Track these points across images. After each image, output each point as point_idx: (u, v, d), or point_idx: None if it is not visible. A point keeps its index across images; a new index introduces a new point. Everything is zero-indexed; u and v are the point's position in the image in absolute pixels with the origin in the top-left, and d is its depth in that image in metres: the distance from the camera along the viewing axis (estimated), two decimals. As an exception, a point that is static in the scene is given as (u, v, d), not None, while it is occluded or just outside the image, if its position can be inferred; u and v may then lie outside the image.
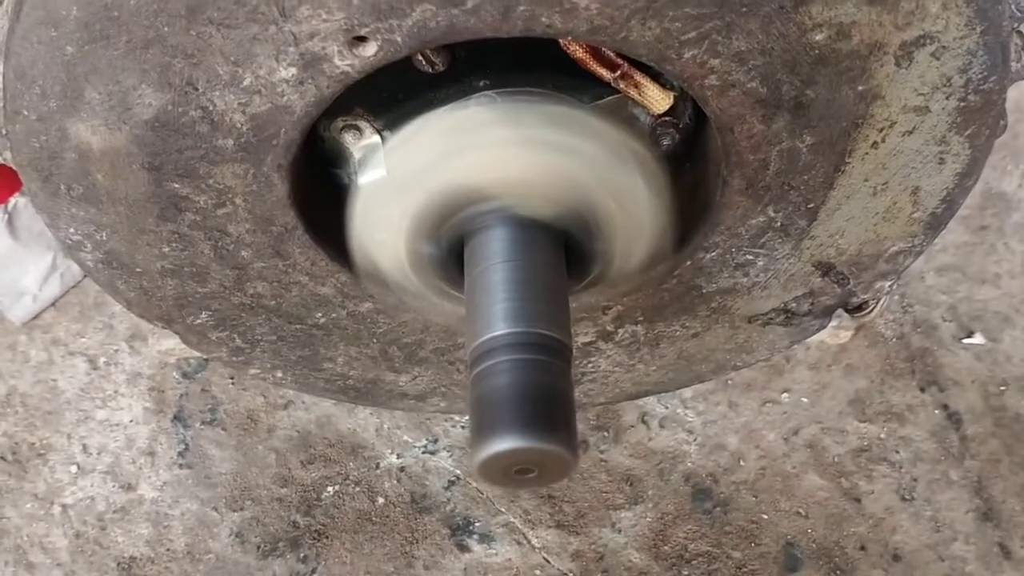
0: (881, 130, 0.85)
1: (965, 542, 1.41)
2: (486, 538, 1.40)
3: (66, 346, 1.56)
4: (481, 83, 0.88)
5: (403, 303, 1.00)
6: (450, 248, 0.87)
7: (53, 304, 1.59)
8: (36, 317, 1.58)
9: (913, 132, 0.86)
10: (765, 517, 1.42)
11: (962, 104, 0.83)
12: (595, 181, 0.84)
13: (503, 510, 1.41)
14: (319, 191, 0.95)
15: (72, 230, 0.92)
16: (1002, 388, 1.53)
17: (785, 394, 1.52)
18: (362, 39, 0.73)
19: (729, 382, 1.51)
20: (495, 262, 0.83)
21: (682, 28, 0.73)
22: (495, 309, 0.80)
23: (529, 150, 0.83)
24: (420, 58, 0.83)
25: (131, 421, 1.49)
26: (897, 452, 1.48)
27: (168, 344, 1.11)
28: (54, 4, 0.71)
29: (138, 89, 0.77)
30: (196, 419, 1.48)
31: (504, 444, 0.72)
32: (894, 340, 1.58)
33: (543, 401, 0.75)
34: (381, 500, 1.42)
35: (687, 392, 1.49)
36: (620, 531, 1.40)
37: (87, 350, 1.56)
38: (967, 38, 0.77)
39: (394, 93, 0.89)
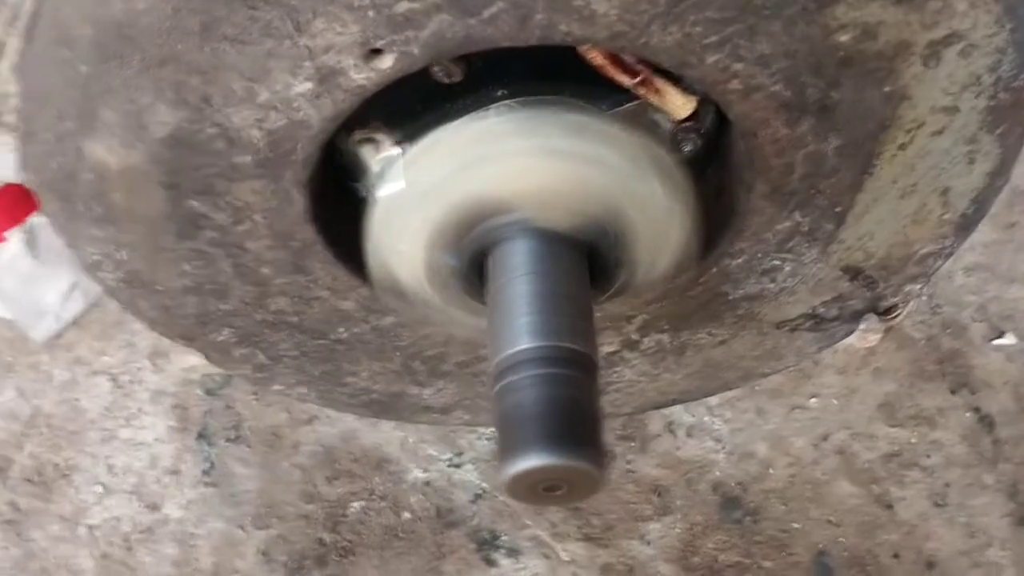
0: (909, 131, 0.84)
1: (1000, 548, 1.39)
2: (514, 552, 1.38)
3: (89, 365, 1.56)
4: (499, 92, 0.87)
5: (424, 316, 0.99)
6: (471, 260, 0.86)
7: (75, 322, 1.59)
8: (58, 336, 1.58)
9: (942, 132, 0.84)
10: (796, 526, 1.40)
11: (992, 103, 0.81)
12: (617, 190, 0.83)
13: (530, 523, 1.39)
14: (338, 205, 0.94)
15: (92, 250, 0.92)
16: (1035, 389, 1.51)
17: (813, 399, 1.50)
18: (378, 51, 0.72)
19: (756, 388, 1.49)
20: (517, 274, 0.82)
21: (704, 32, 0.72)
22: (519, 323, 0.79)
23: (549, 160, 0.82)
24: (437, 69, 0.82)
25: (155, 439, 1.49)
26: (929, 457, 1.45)
27: (191, 361, 1.11)
28: (67, 25, 0.70)
29: (153, 107, 0.76)
30: (220, 436, 1.48)
31: (531, 461, 0.71)
32: (923, 342, 1.55)
33: (569, 417, 0.73)
34: (407, 515, 1.40)
35: (714, 399, 1.47)
36: (649, 543, 1.39)
37: (110, 368, 1.55)
38: (996, 36, 0.75)
39: (411, 104, 0.88)
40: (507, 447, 0.74)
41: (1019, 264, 1.63)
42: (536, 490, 0.73)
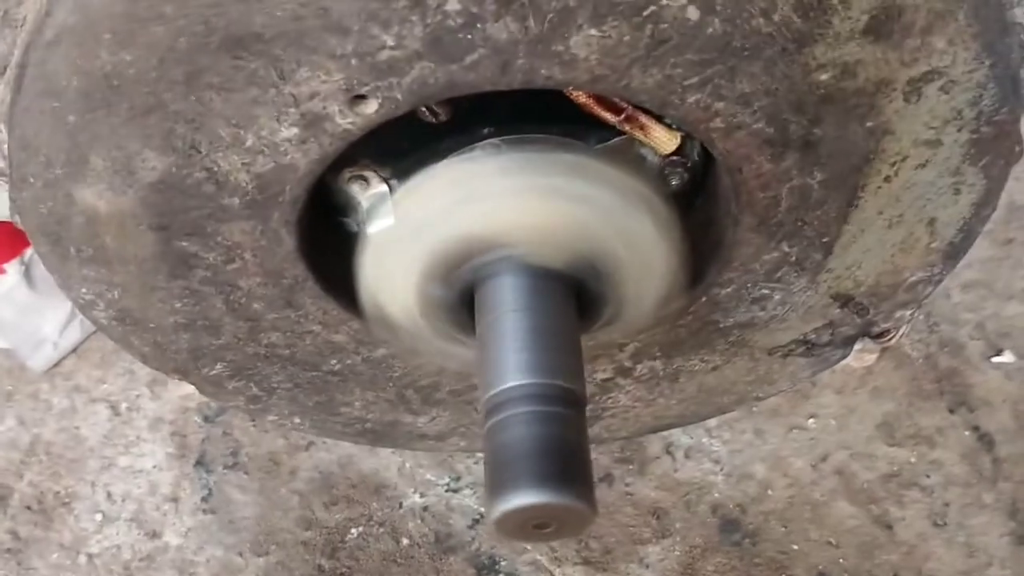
0: (893, 164, 0.84)
1: (1001, 567, 1.39)
2: (512, 577, 1.39)
3: (88, 393, 1.57)
4: (485, 131, 0.88)
5: (416, 349, 1.00)
6: (461, 296, 0.87)
7: (74, 351, 1.60)
8: (57, 364, 1.59)
9: (926, 165, 0.84)
10: (795, 547, 1.40)
11: (975, 136, 0.82)
12: (604, 226, 0.83)
13: (529, 548, 1.40)
14: (328, 241, 0.95)
15: (84, 290, 0.92)
16: (1034, 407, 1.51)
17: (811, 419, 1.50)
18: (362, 97, 0.73)
19: (754, 409, 1.49)
20: (506, 311, 0.83)
21: (684, 74, 0.73)
22: (507, 360, 0.80)
23: (536, 198, 0.83)
24: (424, 109, 0.83)
25: (154, 467, 1.49)
26: (928, 476, 1.45)
27: (189, 389, 1.11)
28: (55, 75, 0.71)
29: (141, 154, 0.77)
30: (218, 463, 1.48)
31: (521, 500, 0.72)
32: (921, 361, 1.55)
33: (559, 455, 0.74)
34: (406, 541, 1.41)
35: (712, 421, 1.47)
36: (648, 566, 1.39)
37: (109, 396, 1.56)
38: (976, 71, 0.76)
39: (399, 143, 0.89)
40: (497, 485, 0.74)
41: (1016, 281, 1.63)
42: (526, 527, 0.74)
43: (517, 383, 0.78)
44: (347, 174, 0.91)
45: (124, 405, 1.55)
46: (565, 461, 0.74)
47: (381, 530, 1.41)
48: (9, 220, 0.89)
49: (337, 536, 1.42)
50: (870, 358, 1.14)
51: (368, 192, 0.92)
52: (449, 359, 0.97)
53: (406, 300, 0.89)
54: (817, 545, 1.40)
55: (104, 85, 0.71)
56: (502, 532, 0.74)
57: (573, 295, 0.85)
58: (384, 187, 0.92)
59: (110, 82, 0.71)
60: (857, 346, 1.11)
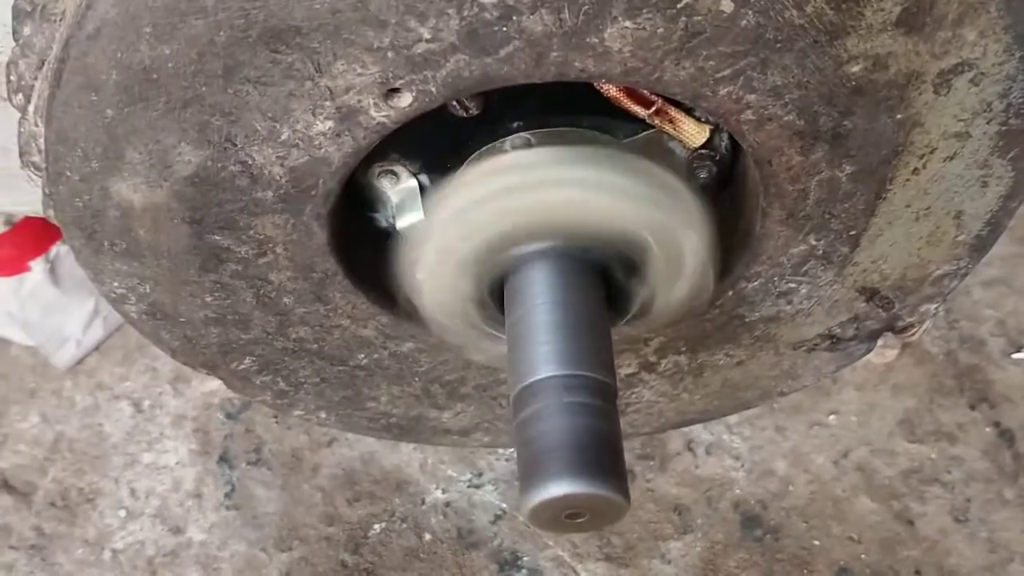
0: (922, 157, 0.84)
1: (1022, 562, 1.39)
2: (535, 573, 1.39)
3: (111, 390, 1.58)
4: (515, 124, 0.88)
5: (444, 343, 1.00)
6: (491, 289, 0.87)
7: (97, 348, 1.61)
8: (80, 362, 1.60)
9: (954, 157, 0.85)
10: (817, 543, 1.40)
11: (1003, 128, 0.82)
12: (634, 219, 0.84)
13: (551, 544, 1.40)
14: (358, 236, 0.95)
15: (116, 284, 0.93)
16: (1054, 403, 1.51)
17: (832, 416, 1.51)
18: (397, 91, 0.73)
19: (775, 406, 1.50)
20: (537, 303, 0.83)
21: (716, 66, 0.73)
22: (538, 351, 0.80)
23: (566, 190, 0.83)
24: (455, 103, 0.83)
25: (177, 463, 1.50)
26: (949, 472, 1.45)
27: (211, 385, 1.12)
28: (94, 69, 0.72)
29: (177, 147, 0.77)
30: (241, 459, 1.49)
31: (555, 490, 0.72)
32: (941, 357, 1.55)
33: (592, 445, 0.74)
34: (428, 536, 1.41)
35: (733, 417, 1.47)
36: (670, 562, 1.39)
37: (132, 393, 1.57)
38: (1006, 64, 0.76)
39: (429, 138, 0.89)
40: (530, 476, 0.74)
41: (1036, 277, 1.63)
42: (559, 518, 0.74)
43: (548, 375, 0.78)
44: (377, 169, 0.92)
45: (147, 402, 1.56)
46: (599, 452, 0.74)
47: (404, 526, 1.42)
48: (33, 217, 0.90)
49: (360, 532, 1.42)
50: (891, 354, 1.14)
51: (398, 187, 0.93)
52: (478, 352, 0.98)
53: (436, 294, 0.89)
54: (839, 541, 1.40)
55: (143, 78, 0.72)
56: (536, 523, 0.75)
57: (603, 287, 0.85)
58: (414, 182, 0.93)
59: (149, 75, 0.72)
60: (879, 342, 1.12)
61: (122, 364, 1.60)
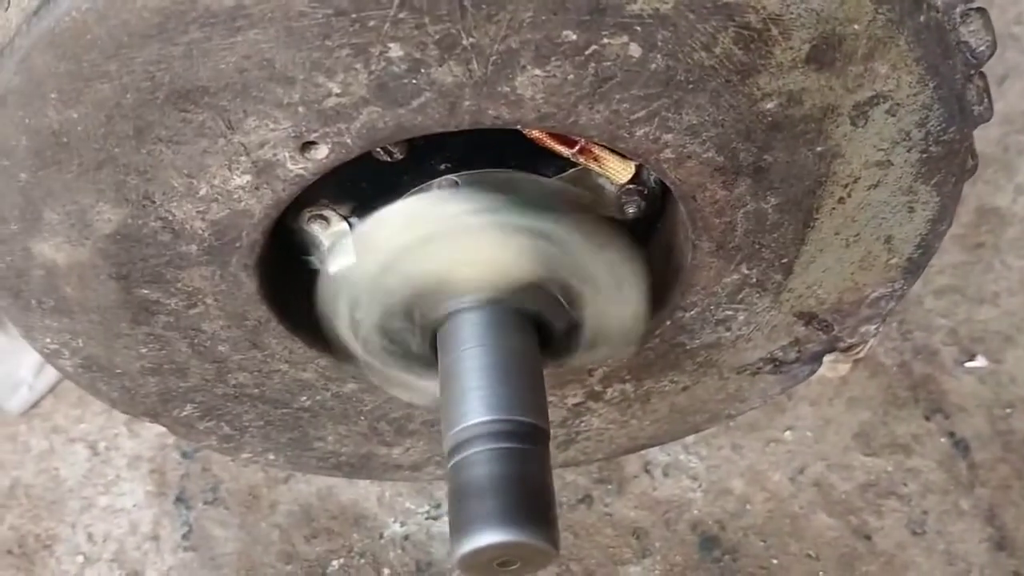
0: (846, 186, 0.85)
1: (980, 573, 1.39)
2: (493, 604, 1.38)
3: (66, 433, 1.56)
4: (442, 167, 0.88)
5: (383, 384, 1.00)
6: (423, 333, 0.87)
7: (51, 391, 1.59)
8: (35, 406, 1.58)
9: (878, 185, 0.85)
10: (775, 562, 1.40)
11: (924, 155, 0.83)
12: (563, 259, 0.84)
13: (509, 573, 1.39)
14: (291, 280, 0.95)
15: (48, 340, 0.92)
16: (1008, 411, 1.51)
17: (788, 432, 1.51)
18: (312, 144, 0.73)
19: (731, 424, 1.50)
20: (466, 348, 0.83)
21: (630, 109, 0.73)
22: (470, 396, 0.80)
23: (494, 234, 0.83)
24: (379, 149, 0.83)
25: (134, 506, 1.49)
26: (905, 485, 1.46)
27: (164, 426, 1.11)
28: (3, 135, 0.71)
29: (96, 207, 0.77)
30: (198, 499, 1.48)
31: (485, 539, 0.72)
32: (895, 369, 1.56)
33: (521, 492, 0.74)
34: (387, 571, 1.41)
35: (689, 437, 1.47)
36: (629, 586, 1.39)
37: (87, 436, 1.56)
38: (920, 94, 0.77)
39: (357, 181, 0.89)
40: (460, 524, 0.74)
41: (988, 284, 1.63)
42: (490, 567, 0.74)
43: (478, 420, 0.78)
44: (307, 214, 0.91)
45: (103, 444, 1.54)
46: (527, 499, 0.74)
47: (362, 561, 1.41)
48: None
49: (318, 569, 1.41)
50: (844, 368, 1.14)
51: (329, 231, 0.93)
52: (416, 395, 0.97)
53: (369, 338, 0.89)
54: (797, 559, 1.40)
55: (53, 142, 0.71)
56: (467, 571, 0.75)
57: (534, 329, 0.85)
58: (345, 225, 0.93)
59: (59, 139, 0.71)
60: (829, 358, 1.12)
61: (77, 406, 1.58)
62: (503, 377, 0.81)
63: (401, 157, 0.85)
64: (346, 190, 0.91)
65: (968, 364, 1.56)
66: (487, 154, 0.89)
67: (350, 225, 0.92)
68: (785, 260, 0.93)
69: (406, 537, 1.43)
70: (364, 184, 0.90)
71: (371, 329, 0.89)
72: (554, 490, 0.77)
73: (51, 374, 1.58)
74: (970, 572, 1.39)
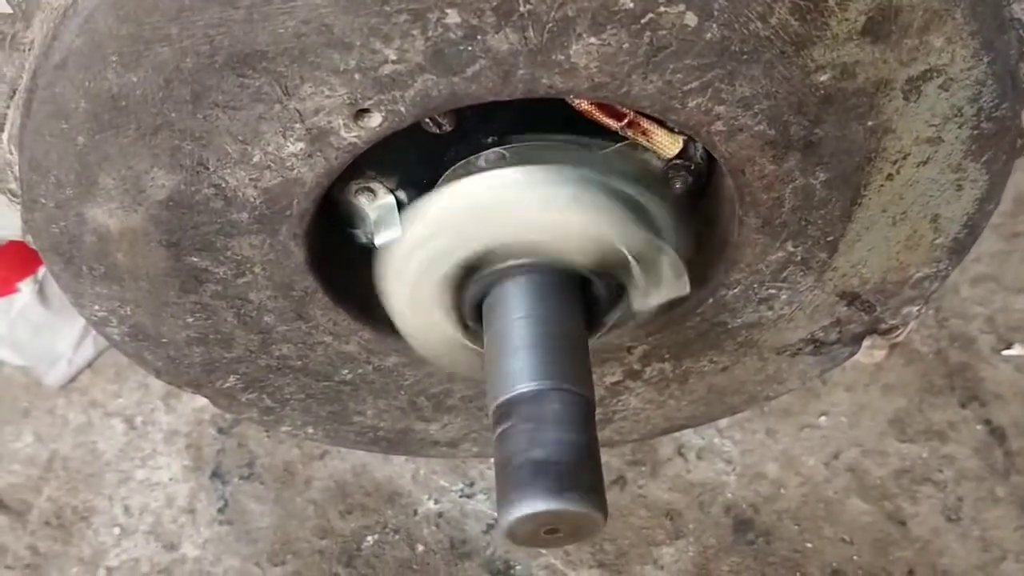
0: (895, 162, 0.84)
1: (1015, 560, 1.39)
2: (527, 582, 1.39)
3: (104, 407, 1.58)
4: (489, 139, 0.88)
5: (425, 358, 1.00)
6: (469, 303, 0.88)
7: (89, 366, 1.61)
8: (73, 380, 1.61)
9: (928, 162, 0.85)
10: (809, 546, 1.40)
11: (975, 132, 0.82)
12: (609, 231, 0.84)
13: (544, 552, 1.40)
14: (337, 252, 0.95)
15: (97, 307, 0.93)
16: (1045, 399, 1.51)
17: (823, 417, 1.51)
18: (366, 111, 0.74)
19: (766, 408, 1.50)
20: (514, 317, 0.83)
21: (684, 79, 0.73)
22: (516, 365, 0.80)
23: (542, 205, 0.83)
24: (428, 121, 0.83)
25: (170, 479, 1.51)
26: (940, 471, 1.45)
27: (203, 401, 1.12)
28: (63, 98, 0.72)
29: (150, 172, 0.78)
30: (234, 474, 1.50)
31: (531, 507, 0.72)
32: (931, 356, 1.55)
33: (568, 460, 0.74)
34: (421, 547, 1.42)
35: (723, 421, 1.47)
36: (663, 568, 1.39)
37: (124, 410, 1.57)
38: (974, 69, 0.76)
39: (404, 154, 0.90)
40: (507, 492, 0.74)
41: (1025, 273, 1.63)
42: (537, 534, 0.74)
43: (525, 389, 0.78)
44: (354, 186, 0.92)
45: (139, 419, 1.56)
46: (575, 467, 0.74)
47: (396, 537, 1.42)
48: (21, 240, 0.90)
49: (353, 544, 1.42)
50: (880, 354, 1.14)
51: (375, 203, 0.93)
52: (459, 367, 0.98)
53: (414, 310, 0.90)
54: (831, 543, 1.40)
55: (112, 106, 0.72)
56: (513, 539, 0.75)
57: (580, 299, 0.86)
58: (391, 198, 0.93)
59: (118, 103, 0.72)
60: (866, 343, 1.12)
61: (114, 381, 1.61)
62: (549, 347, 0.81)
63: (450, 129, 0.85)
64: (394, 162, 0.91)
65: (1005, 352, 1.56)
66: (534, 127, 0.89)
67: (396, 198, 0.93)
68: (831, 238, 0.92)
69: (440, 514, 1.43)
70: (411, 157, 0.90)
71: (415, 302, 0.89)
72: (601, 459, 0.77)
73: (89, 349, 1.60)
74: (1004, 559, 1.39)
